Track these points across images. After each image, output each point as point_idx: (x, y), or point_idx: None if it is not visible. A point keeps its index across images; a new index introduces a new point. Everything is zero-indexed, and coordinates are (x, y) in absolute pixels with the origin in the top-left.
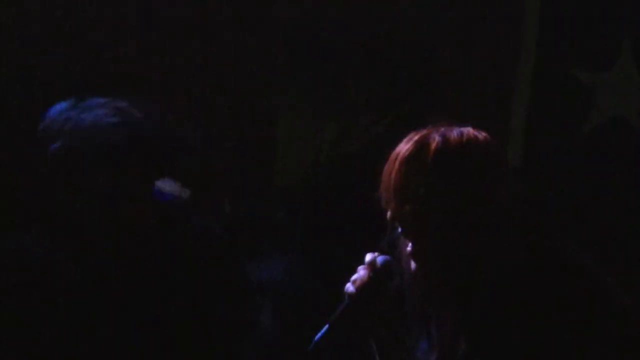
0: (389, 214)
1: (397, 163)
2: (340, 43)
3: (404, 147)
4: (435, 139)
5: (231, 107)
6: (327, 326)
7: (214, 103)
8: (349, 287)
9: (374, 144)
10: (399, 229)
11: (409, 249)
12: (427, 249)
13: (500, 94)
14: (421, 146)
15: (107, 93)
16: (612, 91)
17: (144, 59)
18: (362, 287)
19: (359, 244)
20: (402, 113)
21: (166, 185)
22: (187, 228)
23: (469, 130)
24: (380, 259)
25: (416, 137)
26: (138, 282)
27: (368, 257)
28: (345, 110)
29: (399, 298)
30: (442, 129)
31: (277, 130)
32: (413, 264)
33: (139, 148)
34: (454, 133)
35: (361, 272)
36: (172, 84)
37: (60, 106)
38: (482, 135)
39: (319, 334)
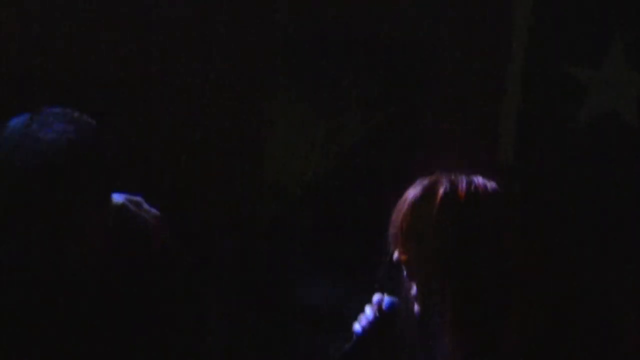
0: (395, 255)
1: (404, 206)
2: (334, 39)
3: (412, 191)
4: (443, 185)
5: (223, 104)
6: None
7: (206, 100)
8: (356, 326)
9: (368, 140)
10: (405, 272)
11: (413, 292)
12: (430, 293)
13: (492, 91)
14: (429, 191)
15: (106, 93)
16: (604, 87)
17: (144, 59)
18: (368, 328)
19: (354, 241)
20: (396, 110)
21: None
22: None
23: (478, 180)
24: (386, 300)
25: (425, 182)
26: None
27: (375, 297)
28: (338, 106)
29: (404, 337)
30: (452, 176)
31: (268, 127)
32: (417, 307)
33: (98, 163)
34: (463, 181)
35: (368, 313)
36: (170, 81)
37: (16, 121)
38: (490, 185)
39: None
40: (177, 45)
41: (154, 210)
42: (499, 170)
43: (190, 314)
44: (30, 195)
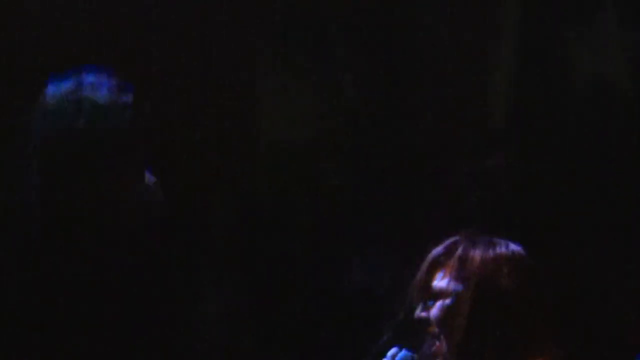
0: (417, 312)
1: (426, 263)
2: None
3: (435, 250)
4: (462, 246)
5: (212, 75)
6: None
7: (195, 71)
8: None
9: (360, 109)
10: (425, 328)
11: (434, 348)
12: (449, 350)
13: (483, 54)
14: (449, 250)
15: None
16: (594, 47)
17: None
18: None
19: (345, 214)
20: (387, 73)
21: None
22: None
23: (499, 242)
24: (400, 355)
25: (448, 241)
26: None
27: (390, 351)
28: (331, 75)
29: None
30: (475, 238)
31: (260, 95)
32: None
33: (147, 126)
34: (481, 244)
35: None
36: (159, 48)
37: (63, 86)
38: (512, 249)
39: None
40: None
41: (152, 178)
42: (490, 136)
43: (186, 298)
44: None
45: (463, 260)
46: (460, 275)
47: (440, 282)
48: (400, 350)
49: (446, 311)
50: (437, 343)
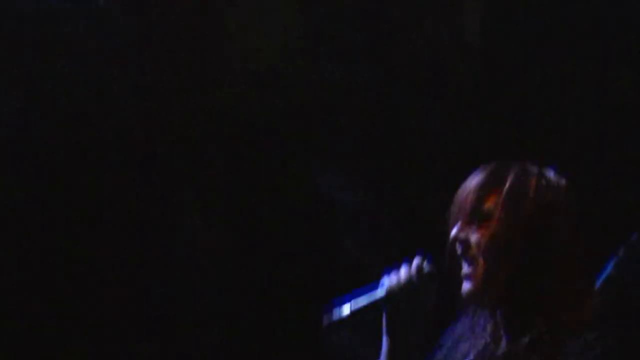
0: (452, 233)
1: (472, 185)
2: None
3: (482, 172)
4: (514, 173)
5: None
6: (349, 311)
7: None
8: (385, 280)
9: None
10: (459, 249)
11: (465, 270)
12: (485, 277)
13: None
14: (496, 174)
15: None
16: None
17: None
18: (398, 287)
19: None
20: None
21: None
22: None
23: (548, 173)
24: (425, 267)
25: (492, 166)
26: None
27: (415, 260)
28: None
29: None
30: (524, 165)
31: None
32: (466, 285)
33: None
34: (533, 173)
35: (402, 271)
36: None
37: None
38: (560, 181)
39: (339, 315)
40: None
41: None
42: (465, 51)
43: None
44: None
45: (517, 188)
46: (513, 203)
47: (487, 205)
48: (424, 259)
49: (492, 237)
50: (471, 267)
